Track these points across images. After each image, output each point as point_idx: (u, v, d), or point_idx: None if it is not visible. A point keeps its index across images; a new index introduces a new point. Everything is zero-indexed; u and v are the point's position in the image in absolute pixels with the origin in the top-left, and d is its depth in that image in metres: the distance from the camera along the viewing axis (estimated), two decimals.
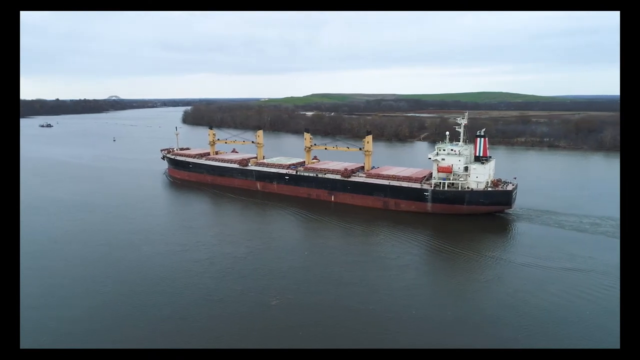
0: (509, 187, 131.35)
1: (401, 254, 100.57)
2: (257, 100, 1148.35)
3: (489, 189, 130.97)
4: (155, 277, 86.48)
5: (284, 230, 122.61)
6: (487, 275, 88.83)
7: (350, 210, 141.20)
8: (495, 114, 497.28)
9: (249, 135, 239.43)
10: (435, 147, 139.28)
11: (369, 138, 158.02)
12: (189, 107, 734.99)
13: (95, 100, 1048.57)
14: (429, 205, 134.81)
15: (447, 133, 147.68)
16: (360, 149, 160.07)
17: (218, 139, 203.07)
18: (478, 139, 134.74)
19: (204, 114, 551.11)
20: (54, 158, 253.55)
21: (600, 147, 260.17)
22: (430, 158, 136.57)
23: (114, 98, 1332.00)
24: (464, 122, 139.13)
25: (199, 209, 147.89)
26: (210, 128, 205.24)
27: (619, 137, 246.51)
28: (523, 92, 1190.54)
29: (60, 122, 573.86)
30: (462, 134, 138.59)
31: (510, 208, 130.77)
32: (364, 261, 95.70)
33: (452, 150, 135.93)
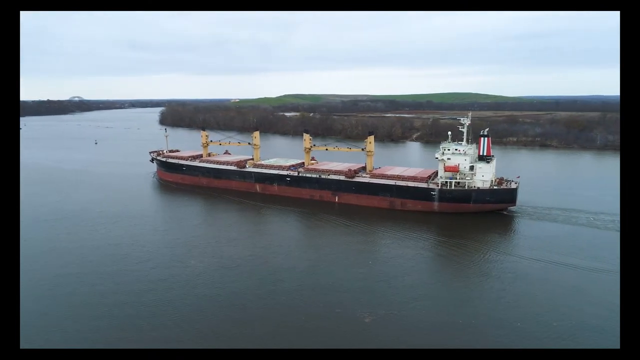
0: (513, 185, 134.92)
1: (458, 258, 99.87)
2: (228, 100, 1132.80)
3: (494, 187, 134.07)
4: (223, 296, 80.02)
5: (319, 236, 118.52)
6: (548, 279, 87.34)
7: (358, 211, 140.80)
8: (472, 114, 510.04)
9: (236, 136, 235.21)
10: (440, 146, 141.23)
11: (371, 138, 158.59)
12: (162, 108, 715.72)
13: (59, 101, 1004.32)
14: (435, 205, 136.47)
15: (449, 133, 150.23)
16: (362, 149, 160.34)
17: (211, 141, 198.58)
18: (482, 138, 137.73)
19: (184, 115, 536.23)
20: (40, 163, 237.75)
21: (591, 145, 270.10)
22: (437, 158, 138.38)
23: (76, 99, 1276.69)
24: (467, 122, 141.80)
25: (216, 216, 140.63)
26: (203, 129, 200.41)
27: (609, 136, 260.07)
28: (490, 92, 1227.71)
29: (28, 124, 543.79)
30: (465, 134, 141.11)
31: (514, 205, 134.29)
32: (441, 271, 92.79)
33: (456, 149, 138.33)
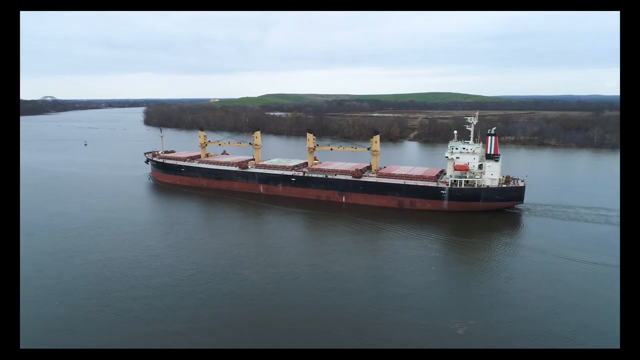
0: (520, 184, 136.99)
1: (509, 261, 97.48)
2: (207, 100, 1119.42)
3: (503, 185, 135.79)
4: (300, 311, 74.77)
5: (356, 238, 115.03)
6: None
7: (368, 211, 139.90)
8: (456, 113, 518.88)
9: (230, 137, 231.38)
10: (449, 145, 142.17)
11: (377, 138, 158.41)
12: (143, 108, 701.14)
13: (33, 101, 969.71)
14: (445, 203, 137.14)
15: (455, 132, 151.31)
16: (368, 149, 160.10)
17: (209, 141, 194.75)
18: (489, 137, 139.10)
19: (171, 115, 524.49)
20: (36, 167, 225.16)
21: (588, 144, 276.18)
22: (447, 157, 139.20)
23: (49, 99, 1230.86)
24: (474, 121, 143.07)
25: (240, 220, 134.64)
26: (201, 129, 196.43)
27: (606, 135, 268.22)
28: (469, 92, 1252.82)
29: None
30: (472, 133, 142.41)
31: (521, 203, 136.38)
32: (514, 277, 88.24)
33: (464, 148, 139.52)
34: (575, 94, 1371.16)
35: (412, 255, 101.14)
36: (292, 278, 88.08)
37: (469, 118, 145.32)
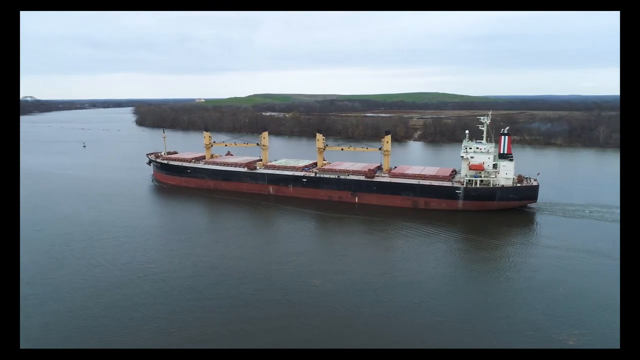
0: (534, 183, 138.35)
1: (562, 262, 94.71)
2: (193, 100, 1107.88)
3: (517, 184, 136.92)
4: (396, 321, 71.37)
5: (400, 242, 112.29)
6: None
7: (384, 211, 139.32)
8: (449, 113, 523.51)
9: (234, 138, 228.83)
10: (463, 145, 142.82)
11: (388, 138, 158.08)
12: (131, 108, 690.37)
13: None
14: (460, 203, 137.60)
15: (467, 132, 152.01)
16: (379, 149, 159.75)
17: (214, 142, 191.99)
18: (502, 137, 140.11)
19: (165, 115, 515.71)
20: (44, 170, 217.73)
21: (594, 143, 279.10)
22: (462, 156, 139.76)
23: (29, 99, 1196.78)
24: (487, 121, 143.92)
25: (273, 225, 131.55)
26: (206, 130, 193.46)
27: (613, 134, 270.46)
28: (455, 92, 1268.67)
29: None
30: (485, 133, 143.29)
31: (535, 202, 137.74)
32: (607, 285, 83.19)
33: (477, 148, 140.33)
34: (556, 94, 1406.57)
35: (476, 259, 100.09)
36: (372, 290, 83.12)
37: (481, 118, 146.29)
